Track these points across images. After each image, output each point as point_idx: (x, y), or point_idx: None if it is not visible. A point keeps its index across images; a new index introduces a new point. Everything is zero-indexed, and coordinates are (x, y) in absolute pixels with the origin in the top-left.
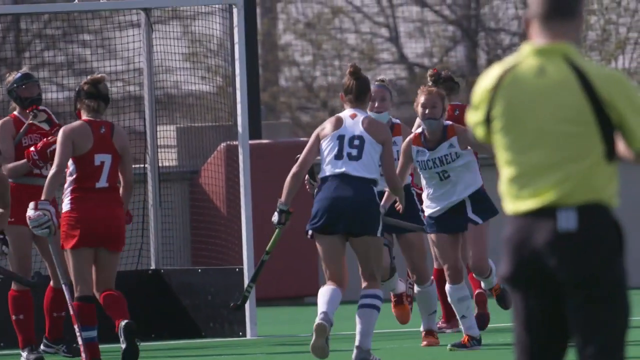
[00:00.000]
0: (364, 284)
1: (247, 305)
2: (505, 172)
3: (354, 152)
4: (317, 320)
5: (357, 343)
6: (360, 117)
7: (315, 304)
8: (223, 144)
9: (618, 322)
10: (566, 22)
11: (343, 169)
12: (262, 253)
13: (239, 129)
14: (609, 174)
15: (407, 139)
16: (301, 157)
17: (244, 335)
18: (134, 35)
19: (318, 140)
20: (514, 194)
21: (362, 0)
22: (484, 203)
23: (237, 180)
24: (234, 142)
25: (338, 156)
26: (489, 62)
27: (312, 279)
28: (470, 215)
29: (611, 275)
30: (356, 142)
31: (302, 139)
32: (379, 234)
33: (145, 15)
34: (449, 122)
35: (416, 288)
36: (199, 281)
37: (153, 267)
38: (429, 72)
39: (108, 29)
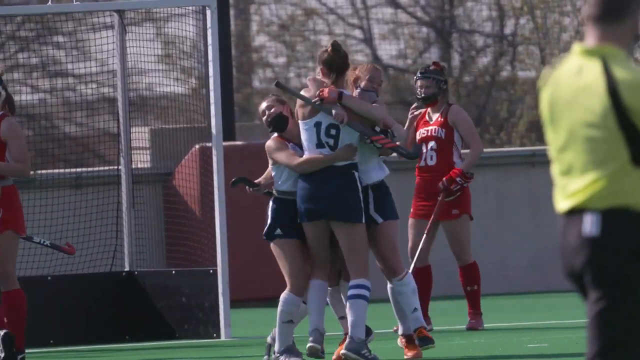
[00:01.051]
0: (351, 275)
1: (220, 307)
2: (553, 169)
3: (331, 141)
4: (309, 342)
5: (349, 333)
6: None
7: None
8: (197, 146)
9: (624, 327)
10: (614, 25)
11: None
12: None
13: (213, 130)
14: (636, 179)
15: None
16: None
17: (218, 336)
18: (107, 37)
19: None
20: (557, 193)
21: (336, 1)
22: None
23: (211, 182)
24: (208, 144)
25: (319, 145)
26: (463, 64)
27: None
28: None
29: (627, 281)
30: (332, 131)
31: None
32: (362, 221)
33: (119, 17)
34: None
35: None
36: (173, 283)
37: (127, 268)
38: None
39: (82, 30)
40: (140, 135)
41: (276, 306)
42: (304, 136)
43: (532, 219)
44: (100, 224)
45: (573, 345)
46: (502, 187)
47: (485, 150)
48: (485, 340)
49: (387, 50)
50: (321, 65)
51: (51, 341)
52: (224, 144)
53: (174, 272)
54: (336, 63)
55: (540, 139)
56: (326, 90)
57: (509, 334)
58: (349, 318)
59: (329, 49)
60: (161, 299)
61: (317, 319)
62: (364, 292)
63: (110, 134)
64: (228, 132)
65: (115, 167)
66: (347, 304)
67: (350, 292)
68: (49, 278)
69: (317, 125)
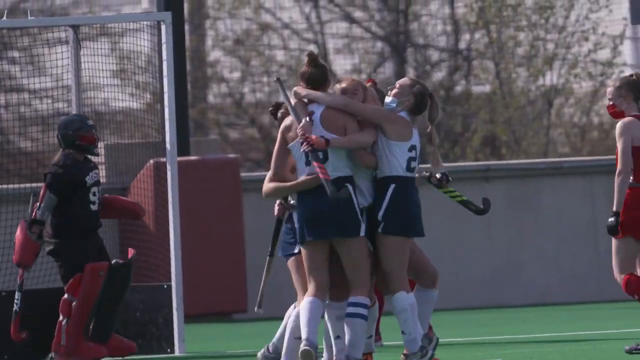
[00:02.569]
0: (351, 291)
1: (175, 322)
2: None
3: (320, 154)
4: (302, 346)
5: (347, 353)
6: (317, 113)
7: (243, 320)
8: (151, 161)
9: None
10: None
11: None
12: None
13: (167, 145)
14: None
15: None
16: (273, 162)
17: (172, 351)
18: (62, 52)
19: (285, 141)
20: None
21: (291, 16)
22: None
23: (166, 197)
24: (162, 159)
25: (308, 162)
26: (417, 78)
27: (241, 296)
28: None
29: None
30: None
31: (230, 155)
32: (362, 233)
33: (74, 32)
34: None
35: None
36: (127, 298)
37: None
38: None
39: (37, 45)
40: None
41: (230, 321)
42: (293, 153)
43: (486, 234)
44: None
45: None
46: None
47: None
48: (439, 354)
49: (341, 65)
50: (301, 80)
51: (5, 357)
52: (179, 159)
53: None
54: (315, 76)
55: (494, 153)
56: (314, 137)
57: (462, 349)
58: (347, 337)
59: (306, 62)
60: None
61: (312, 333)
62: (361, 310)
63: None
64: (182, 147)
65: None
66: (345, 322)
67: (349, 309)
68: (3, 293)
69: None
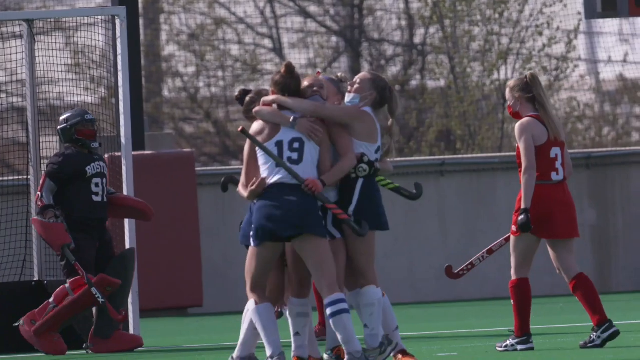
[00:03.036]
0: (325, 292)
1: (130, 317)
2: None
3: (294, 155)
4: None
5: (347, 350)
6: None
7: (198, 315)
8: (106, 155)
9: None
10: None
11: (282, 176)
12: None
13: (122, 140)
14: None
15: None
16: (244, 167)
17: None
18: (16, 46)
19: (253, 147)
20: None
21: (245, 11)
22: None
23: (121, 191)
24: (117, 153)
25: (277, 165)
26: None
27: (196, 291)
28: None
29: None
30: (296, 144)
31: (185, 150)
32: (324, 235)
33: (28, 27)
34: None
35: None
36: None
37: (36, 278)
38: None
39: None
40: (50, 144)
41: (186, 315)
42: (261, 160)
43: (441, 228)
44: (10, 233)
45: (482, 353)
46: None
47: (394, 159)
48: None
49: (296, 60)
50: (273, 87)
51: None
52: (134, 153)
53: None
54: (290, 87)
55: (450, 147)
56: (311, 182)
57: (418, 343)
58: (339, 336)
59: (283, 71)
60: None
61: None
62: (343, 305)
63: (19, 144)
64: (137, 141)
65: (25, 177)
66: (332, 322)
67: (331, 309)
68: None
69: (279, 144)
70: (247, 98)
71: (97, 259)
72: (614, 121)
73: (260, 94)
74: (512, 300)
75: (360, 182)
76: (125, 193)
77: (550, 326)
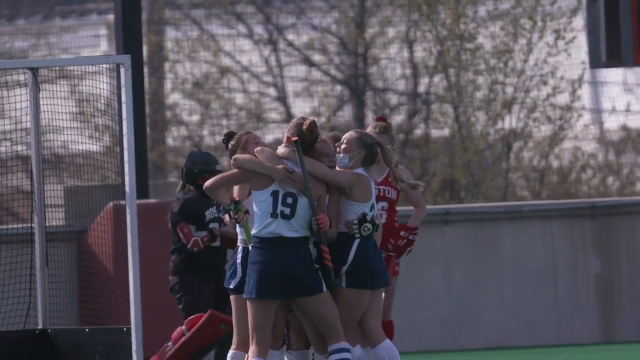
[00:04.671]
0: (328, 342)
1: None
2: None
3: (287, 210)
4: None
5: None
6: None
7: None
8: (110, 203)
9: None
10: None
11: (277, 230)
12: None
13: (127, 188)
14: None
15: None
16: (220, 180)
17: None
18: (21, 94)
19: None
20: None
21: (250, 59)
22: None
23: (125, 239)
24: (122, 202)
25: (273, 214)
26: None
27: None
28: None
29: None
30: (289, 199)
31: None
32: (324, 289)
33: (32, 75)
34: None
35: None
36: (86, 341)
37: (40, 326)
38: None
39: None
40: (54, 193)
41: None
42: (258, 207)
43: (445, 277)
44: (14, 281)
45: None
46: (415, 244)
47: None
48: None
49: (301, 108)
50: (289, 134)
51: None
52: (138, 201)
53: (87, 330)
54: (308, 143)
55: (454, 197)
56: (322, 218)
57: None
58: None
59: (306, 127)
60: (75, 357)
61: None
62: (346, 355)
63: (23, 192)
64: (142, 189)
65: (29, 225)
66: None
67: (333, 357)
68: None
69: (275, 194)
70: (230, 145)
71: (215, 303)
72: (618, 170)
73: (240, 139)
74: None
75: (357, 241)
76: (129, 241)
77: None
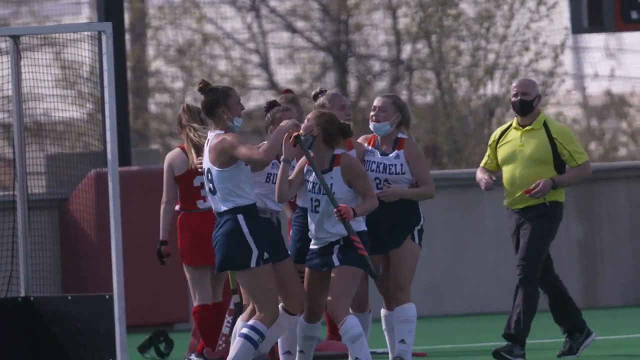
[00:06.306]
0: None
1: (117, 333)
2: None
3: (211, 186)
4: None
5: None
6: (210, 142)
7: (184, 330)
8: (93, 171)
9: None
10: None
11: (212, 206)
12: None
13: (109, 155)
14: None
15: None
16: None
17: None
18: (2, 62)
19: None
20: None
21: (233, 26)
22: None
23: (107, 207)
24: (104, 169)
25: (211, 191)
26: (360, 88)
27: (182, 306)
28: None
29: None
30: (209, 176)
31: None
32: (253, 264)
33: (14, 43)
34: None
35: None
36: (69, 308)
37: (23, 294)
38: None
39: None
40: (36, 160)
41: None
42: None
43: (428, 243)
44: None
45: None
46: None
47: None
48: None
49: (283, 75)
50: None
51: None
52: (120, 169)
53: (70, 297)
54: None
55: (437, 162)
56: (344, 209)
57: None
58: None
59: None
60: (57, 325)
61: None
62: (247, 332)
63: (5, 160)
64: (124, 157)
65: (11, 193)
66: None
67: (243, 330)
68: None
69: (204, 172)
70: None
71: None
72: (601, 136)
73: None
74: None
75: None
76: (111, 208)
77: (535, 341)
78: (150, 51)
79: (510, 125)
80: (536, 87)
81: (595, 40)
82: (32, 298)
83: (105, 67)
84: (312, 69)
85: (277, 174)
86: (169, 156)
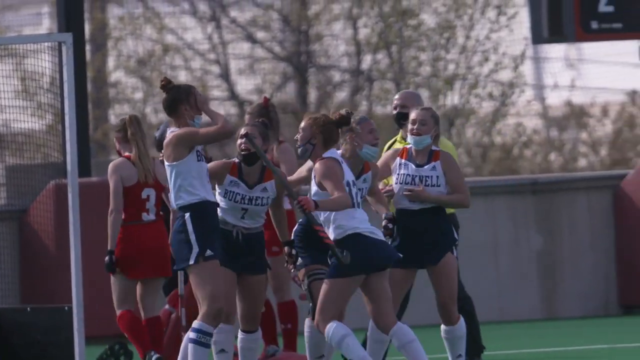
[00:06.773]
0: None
1: (76, 344)
2: None
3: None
4: None
5: None
6: (166, 139)
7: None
8: (52, 182)
9: None
10: None
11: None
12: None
13: (68, 166)
14: None
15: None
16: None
17: None
18: None
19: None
20: None
21: (194, 37)
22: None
23: (67, 218)
24: (63, 180)
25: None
26: (320, 99)
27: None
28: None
29: None
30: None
31: None
32: (192, 261)
33: None
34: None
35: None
36: (28, 320)
37: None
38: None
39: None
40: None
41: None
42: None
43: None
44: None
45: None
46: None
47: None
48: None
49: (244, 85)
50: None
51: None
52: (80, 180)
53: (29, 309)
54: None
55: None
56: (304, 200)
57: None
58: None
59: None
60: (16, 336)
61: None
62: (193, 335)
63: None
64: (84, 168)
65: None
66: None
67: (190, 334)
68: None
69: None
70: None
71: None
72: (561, 146)
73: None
74: (126, 334)
75: None
76: (71, 219)
77: (498, 352)
78: (111, 62)
79: (395, 140)
80: (419, 100)
81: (555, 51)
82: None
83: (65, 77)
84: (272, 79)
85: (235, 192)
86: (117, 165)
